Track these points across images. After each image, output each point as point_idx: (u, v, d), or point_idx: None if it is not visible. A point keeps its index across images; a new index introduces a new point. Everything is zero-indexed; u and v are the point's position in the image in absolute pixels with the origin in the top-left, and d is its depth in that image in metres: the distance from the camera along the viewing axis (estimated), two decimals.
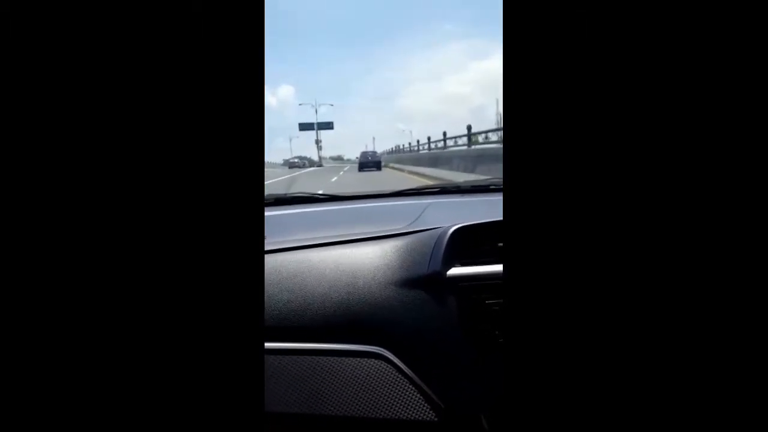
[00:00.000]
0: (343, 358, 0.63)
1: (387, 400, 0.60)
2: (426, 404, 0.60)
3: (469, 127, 11.00)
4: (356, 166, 19.04)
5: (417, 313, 0.62)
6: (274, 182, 9.80)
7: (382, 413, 0.60)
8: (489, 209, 0.79)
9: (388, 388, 0.61)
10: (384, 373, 0.61)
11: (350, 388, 0.61)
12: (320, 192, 1.26)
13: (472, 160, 9.15)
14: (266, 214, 0.99)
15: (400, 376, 0.61)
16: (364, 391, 0.61)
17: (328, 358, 0.63)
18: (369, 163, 17.02)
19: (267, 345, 0.64)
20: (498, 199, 0.99)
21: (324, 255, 0.72)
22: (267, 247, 0.74)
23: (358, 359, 0.62)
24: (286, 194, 1.20)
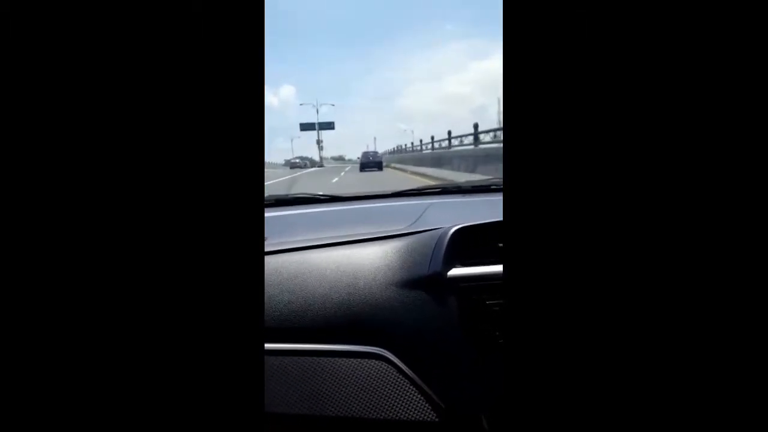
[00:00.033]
0: (344, 359, 0.63)
1: (387, 401, 0.60)
2: (426, 404, 0.59)
3: (475, 126, 10.70)
4: (357, 166, 19.05)
5: (418, 313, 0.62)
6: (275, 183, 9.77)
7: (383, 414, 0.60)
8: (490, 209, 0.79)
9: (389, 389, 0.60)
10: (384, 373, 0.61)
11: (351, 389, 0.61)
12: (321, 193, 1.26)
13: (479, 159, 8.84)
14: (267, 214, 0.99)
15: (400, 376, 0.61)
16: (364, 391, 0.61)
17: (329, 359, 0.63)
18: (370, 163, 17.03)
19: (268, 346, 0.64)
20: (499, 199, 0.98)
21: (325, 256, 0.72)
22: (268, 248, 0.75)
23: (359, 360, 0.62)
24: (287, 195, 1.20)
